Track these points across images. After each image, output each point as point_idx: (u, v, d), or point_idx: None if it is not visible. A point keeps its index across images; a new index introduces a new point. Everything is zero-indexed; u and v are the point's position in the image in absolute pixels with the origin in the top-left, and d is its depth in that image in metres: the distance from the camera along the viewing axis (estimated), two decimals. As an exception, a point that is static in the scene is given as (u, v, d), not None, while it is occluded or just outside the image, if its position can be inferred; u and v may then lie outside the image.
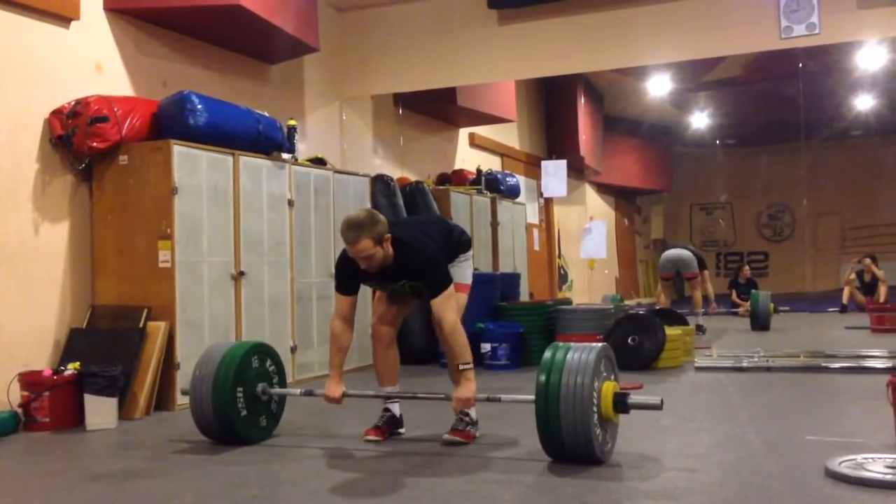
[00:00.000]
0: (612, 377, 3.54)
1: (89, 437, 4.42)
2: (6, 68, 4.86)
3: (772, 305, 9.69)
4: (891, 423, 3.61)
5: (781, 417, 4.52)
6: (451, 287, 3.84)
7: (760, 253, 18.54)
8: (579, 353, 3.40)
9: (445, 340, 3.84)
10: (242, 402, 3.99)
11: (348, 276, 3.93)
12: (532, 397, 3.42)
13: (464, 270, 4.12)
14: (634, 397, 3.50)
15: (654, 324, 6.59)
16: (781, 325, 10.24)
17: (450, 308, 3.80)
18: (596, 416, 3.32)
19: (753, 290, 10.36)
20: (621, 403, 3.43)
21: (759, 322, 9.69)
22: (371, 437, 4.02)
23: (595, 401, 3.32)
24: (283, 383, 4.28)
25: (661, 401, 3.50)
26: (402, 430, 4.18)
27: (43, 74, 5.08)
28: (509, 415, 4.61)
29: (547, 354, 3.46)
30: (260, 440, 4.10)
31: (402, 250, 3.82)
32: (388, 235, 3.76)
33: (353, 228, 3.68)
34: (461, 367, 3.77)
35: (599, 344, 3.56)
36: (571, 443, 3.31)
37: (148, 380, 4.95)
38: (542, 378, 3.36)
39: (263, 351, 4.20)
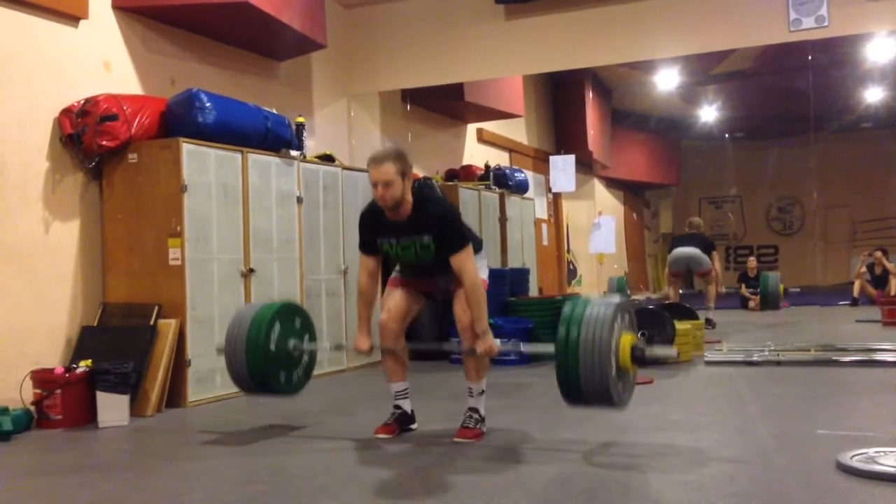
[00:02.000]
0: (631, 331, 3.56)
1: (101, 435, 4.45)
2: (16, 67, 4.88)
3: (781, 286, 9.60)
4: (902, 416, 3.60)
5: (792, 411, 4.51)
6: (471, 247, 3.86)
7: (770, 246, 18.49)
8: (598, 308, 3.43)
9: (466, 295, 3.81)
10: (275, 358, 4.09)
11: (369, 233, 4.02)
12: (552, 349, 3.48)
13: (480, 269, 4.12)
14: (651, 350, 3.53)
15: (664, 318, 6.58)
16: (792, 318, 10.21)
17: (470, 262, 3.82)
18: (614, 367, 3.34)
19: (763, 273, 10.25)
20: (639, 354, 3.46)
21: (770, 303, 9.57)
22: (382, 435, 4.03)
23: (614, 352, 3.34)
24: (312, 335, 4.36)
25: (678, 352, 3.52)
26: (413, 426, 4.19)
27: (52, 73, 5.11)
28: (521, 409, 4.62)
29: (566, 309, 3.49)
30: (295, 393, 4.29)
31: (423, 202, 3.88)
32: (412, 175, 3.87)
33: (381, 152, 3.85)
34: (482, 332, 3.78)
35: (618, 299, 3.57)
36: (589, 391, 3.35)
37: (159, 377, 4.97)
38: (563, 331, 3.40)
39: (292, 309, 4.31)
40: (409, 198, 3.85)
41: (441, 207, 3.92)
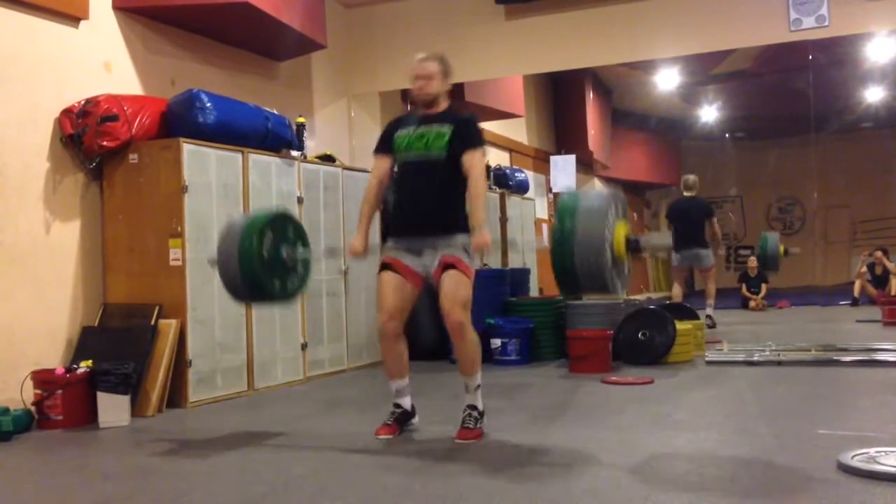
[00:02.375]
0: (624, 220, 3.58)
1: (102, 435, 4.45)
2: (16, 68, 4.88)
3: (782, 247, 9.51)
4: (903, 416, 3.60)
5: (793, 411, 4.51)
6: (484, 149, 4.01)
7: (771, 246, 18.47)
8: (592, 200, 3.47)
9: (471, 188, 3.92)
10: (270, 271, 4.03)
11: (389, 131, 4.16)
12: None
13: (472, 259, 4.12)
14: (646, 239, 3.57)
15: (665, 318, 6.58)
16: (792, 318, 10.20)
17: (482, 164, 3.95)
18: (610, 257, 3.36)
19: (763, 232, 10.07)
20: (633, 243, 3.50)
21: (769, 264, 9.45)
22: (383, 436, 4.03)
23: (609, 241, 3.37)
24: (304, 242, 4.30)
25: (672, 240, 3.54)
26: (414, 421, 4.17)
27: (52, 74, 5.11)
28: (521, 409, 4.62)
29: (562, 200, 3.53)
30: (291, 299, 4.28)
31: (456, 109, 4.13)
32: (452, 82, 4.11)
33: (427, 53, 4.10)
34: (479, 226, 3.84)
35: (611, 190, 3.59)
36: (586, 279, 3.37)
37: (160, 377, 4.97)
38: (558, 223, 3.42)
39: (280, 217, 4.23)
40: (445, 103, 4.10)
41: (467, 114, 4.12)
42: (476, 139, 3.98)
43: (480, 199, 3.90)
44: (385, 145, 4.15)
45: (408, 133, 4.04)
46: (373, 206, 4.20)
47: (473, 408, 3.98)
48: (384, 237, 4.37)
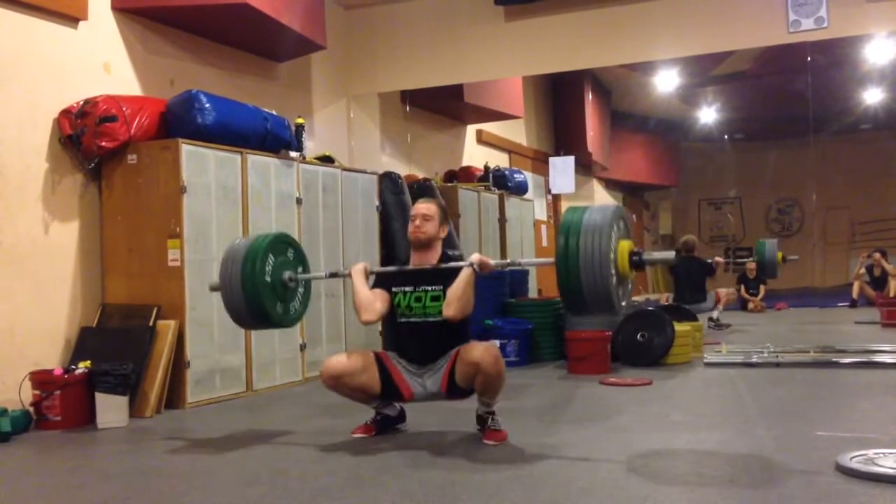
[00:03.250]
0: (627, 237, 3.57)
1: (101, 436, 4.44)
2: (15, 68, 4.88)
3: (780, 254, 9.53)
4: (902, 417, 3.60)
5: (792, 413, 4.51)
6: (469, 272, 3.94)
7: (770, 248, 18.46)
8: (595, 215, 3.44)
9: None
10: (273, 294, 4.05)
11: (388, 282, 4.06)
12: (552, 260, 3.46)
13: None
14: (649, 254, 3.54)
15: (663, 320, 6.58)
16: (791, 319, 10.20)
17: (467, 277, 3.90)
18: (614, 274, 3.35)
19: (760, 239, 10.09)
20: (636, 260, 3.47)
21: (767, 271, 9.49)
22: (358, 434, 4.05)
23: (613, 258, 3.36)
24: (305, 267, 4.32)
25: (676, 251, 3.53)
26: (403, 426, 4.19)
27: (51, 74, 5.10)
28: (520, 410, 4.62)
29: (565, 217, 3.50)
30: (292, 324, 4.28)
31: (448, 257, 4.07)
32: (447, 227, 4.12)
33: (429, 197, 4.26)
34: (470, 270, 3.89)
35: (614, 205, 3.59)
36: (592, 296, 3.35)
37: (158, 378, 4.97)
38: (562, 240, 3.40)
39: (282, 240, 4.24)
40: (440, 250, 4.06)
41: (456, 265, 3.98)
42: (461, 282, 3.90)
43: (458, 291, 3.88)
44: (383, 287, 4.06)
45: (405, 293, 4.02)
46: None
47: (494, 413, 4.00)
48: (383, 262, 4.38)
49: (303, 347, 6.19)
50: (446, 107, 9.73)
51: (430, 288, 3.99)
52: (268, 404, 5.32)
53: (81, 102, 5.13)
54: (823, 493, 2.85)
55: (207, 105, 5.38)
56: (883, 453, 3.22)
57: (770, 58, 11.43)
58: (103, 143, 5.10)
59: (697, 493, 2.94)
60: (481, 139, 11.08)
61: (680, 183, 18.32)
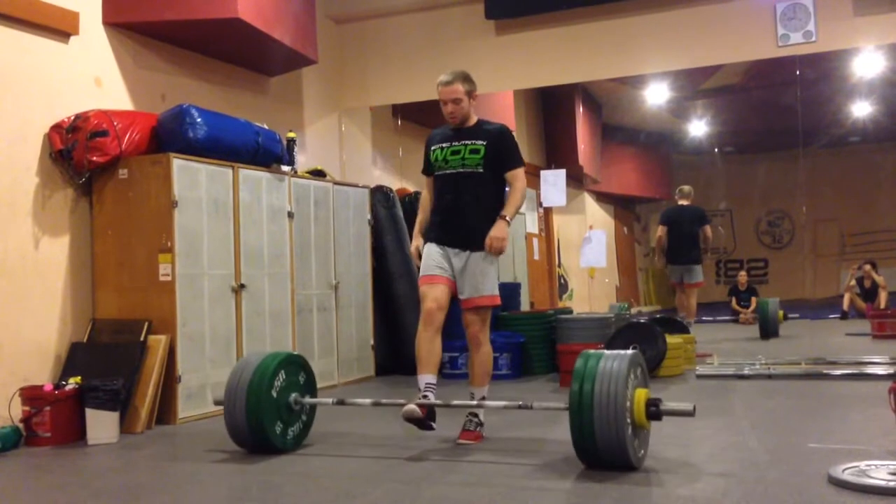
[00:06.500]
0: (644, 385, 3.54)
1: (91, 452, 4.41)
2: (5, 83, 4.87)
3: (781, 312, 9.57)
4: (893, 429, 3.61)
5: (784, 425, 4.52)
6: (523, 168, 4.25)
7: (760, 260, 18.53)
8: (611, 362, 3.40)
9: (512, 193, 4.21)
10: (276, 412, 4.02)
11: (427, 147, 4.42)
12: (565, 405, 3.43)
13: (494, 264, 4.30)
14: (666, 404, 3.49)
15: (655, 332, 6.59)
16: (783, 332, 10.22)
17: (524, 180, 4.23)
18: (629, 424, 3.32)
19: (762, 298, 10.19)
20: (654, 410, 3.43)
21: (769, 329, 9.54)
22: (411, 407, 3.87)
23: (628, 408, 3.32)
24: (313, 393, 4.31)
25: (694, 407, 3.49)
26: (433, 424, 4.08)
27: (42, 89, 5.10)
28: (514, 423, 4.61)
29: (579, 363, 3.46)
30: (292, 450, 4.12)
31: (485, 121, 4.34)
32: (476, 96, 4.27)
33: (449, 74, 4.23)
34: (507, 217, 4.13)
35: (631, 352, 3.56)
36: (606, 450, 3.31)
37: (149, 393, 4.94)
38: (576, 387, 3.36)
39: (295, 362, 4.24)
40: (475, 117, 4.31)
41: (500, 126, 4.31)
42: (516, 156, 4.26)
43: (516, 202, 4.19)
44: (428, 165, 4.45)
45: (443, 148, 4.28)
46: (426, 212, 4.49)
47: (475, 416, 4.17)
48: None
49: (294, 362, 6.16)
50: (437, 120, 9.71)
51: (469, 142, 4.20)
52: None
53: (72, 117, 5.13)
54: (816, 506, 2.85)
55: (199, 119, 5.38)
56: (875, 465, 3.22)
57: (759, 71, 11.51)
58: (94, 158, 5.09)
59: (690, 506, 2.94)
60: (473, 152, 11.09)
61: (671, 195, 18.38)
